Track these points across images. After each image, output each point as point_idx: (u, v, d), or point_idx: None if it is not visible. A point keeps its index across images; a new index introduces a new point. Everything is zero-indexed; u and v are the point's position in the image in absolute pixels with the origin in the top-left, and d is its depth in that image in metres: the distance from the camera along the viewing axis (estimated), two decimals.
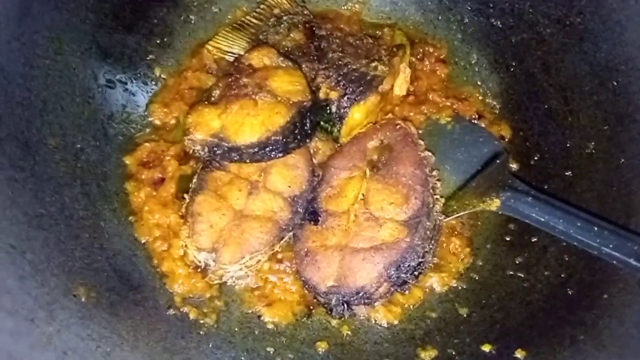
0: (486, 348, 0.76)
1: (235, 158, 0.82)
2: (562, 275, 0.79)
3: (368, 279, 0.76)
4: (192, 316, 0.78)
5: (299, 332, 0.81)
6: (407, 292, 0.80)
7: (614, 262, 0.70)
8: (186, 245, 0.80)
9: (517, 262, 0.85)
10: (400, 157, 0.84)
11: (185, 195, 0.84)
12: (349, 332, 0.82)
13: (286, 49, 0.93)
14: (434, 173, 0.86)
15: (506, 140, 0.95)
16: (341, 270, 0.77)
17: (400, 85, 0.96)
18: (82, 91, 0.89)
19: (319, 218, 0.82)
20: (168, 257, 0.82)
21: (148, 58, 0.97)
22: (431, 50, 1.03)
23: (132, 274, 0.79)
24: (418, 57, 1.02)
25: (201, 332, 0.77)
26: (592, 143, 0.85)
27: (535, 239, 0.85)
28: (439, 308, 0.84)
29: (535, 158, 0.92)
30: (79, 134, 0.86)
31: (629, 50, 0.81)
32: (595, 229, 0.73)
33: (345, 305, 0.76)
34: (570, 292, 0.77)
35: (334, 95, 0.87)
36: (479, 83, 1.01)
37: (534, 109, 0.95)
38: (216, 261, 0.78)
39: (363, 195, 0.82)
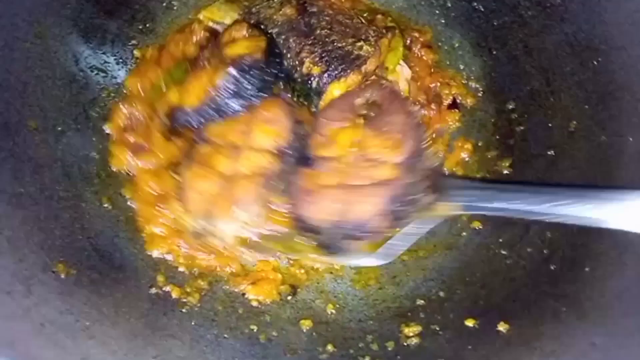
0: (470, 323, 0.76)
1: (193, 123, 0.84)
2: (545, 252, 0.79)
3: (371, 212, 0.75)
4: (174, 295, 0.77)
5: (283, 311, 0.81)
6: (400, 228, 0.80)
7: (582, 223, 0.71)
8: (184, 220, 0.79)
9: (500, 240, 0.85)
10: (389, 110, 0.84)
11: (174, 175, 0.84)
12: (334, 311, 0.82)
13: (277, 22, 0.93)
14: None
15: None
16: (342, 206, 0.76)
17: (401, 83, 0.96)
18: (63, 75, 0.88)
19: (311, 162, 0.81)
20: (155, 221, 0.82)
21: (130, 43, 0.97)
22: (417, 35, 1.03)
23: (113, 254, 0.78)
24: (407, 44, 1.02)
25: (183, 311, 0.76)
26: (574, 122, 0.85)
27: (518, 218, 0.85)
28: (423, 286, 0.84)
29: (519, 139, 0.93)
30: (60, 117, 0.85)
31: (609, 30, 0.82)
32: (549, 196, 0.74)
33: (348, 239, 0.76)
34: (552, 267, 0.77)
35: (316, 70, 0.88)
36: (461, 67, 1.02)
37: (516, 91, 0.95)
38: (211, 224, 0.77)
39: (358, 141, 0.81)
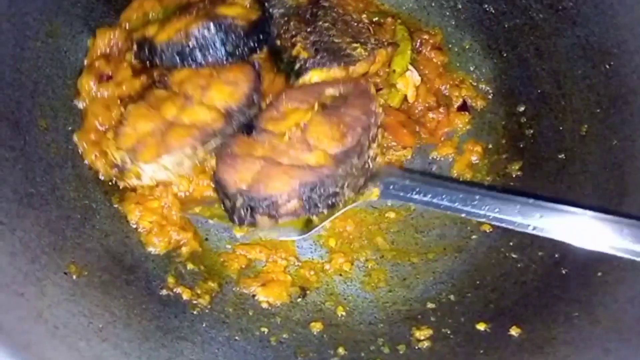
0: (481, 327, 0.75)
1: (155, 59, 0.87)
2: (556, 255, 0.79)
3: (279, 190, 0.76)
4: (185, 297, 0.77)
5: (294, 313, 0.81)
6: (315, 216, 0.82)
7: (507, 226, 0.75)
8: (109, 149, 0.81)
9: (510, 243, 0.85)
10: (351, 103, 0.85)
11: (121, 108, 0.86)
12: (344, 313, 0.82)
13: (286, 4, 0.96)
14: (378, 130, 0.87)
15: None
16: (256, 177, 0.77)
17: (410, 90, 0.96)
18: (74, 74, 0.88)
19: (253, 131, 0.83)
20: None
21: None
22: (426, 37, 1.03)
23: (124, 255, 0.78)
24: (417, 46, 1.02)
25: (194, 312, 0.76)
26: (585, 126, 0.85)
27: None
28: (433, 289, 0.84)
29: (529, 142, 0.93)
30: (71, 117, 0.85)
31: (621, 34, 0.82)
32: (477, 197, 0.76)
33: (249, 210, 0.77)
34: (564, 272, 0.77)
35: (304, 54, 0.89)
36: (472, 69, 1.02)
37: (527, 94, 0.95)
38: (133, 160, 0.79)
39: (304, 124, 0.82)
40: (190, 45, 0.86)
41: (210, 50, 0.87)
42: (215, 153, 0.83)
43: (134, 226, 0.82)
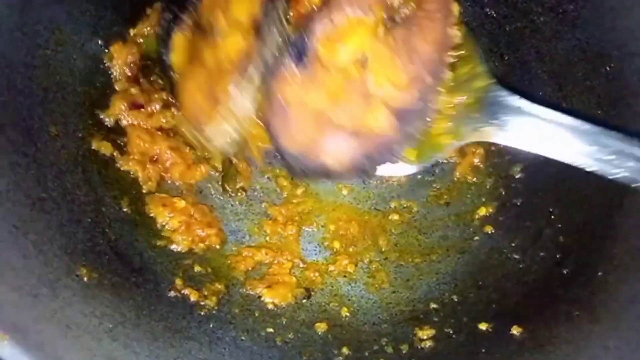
0: (483, 326, 0.76)
1: None
2: (558, 256, 0.80)
3: (336, 161, 0.68)
4: (192, 298, 0.79)
5: (299, 314, 0.82)
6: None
7: None
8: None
9: (512, 244, 0.86)
10: (423, 25, 0.69)
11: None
12: (348, 314, 0.83)
13: None
14: (449, 58, 0.73)
15: None
16: (313, 141, 0.68)
17: None
18: (83, 81, 0.90)
19: (305, 60, 0.67)
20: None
21: None
22: None
23: (133, 257, 0.80)
24: None
25: (202, 313, 0.78)
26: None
27: (531, 222, 0.86)
28: (436, 290, 0.85)
29: None
30: (81, 123, 0.87)
31: (621, 36, 0.83)
32: None
33: (303, 172, 0.71)
34: (565, 272, 0.78)
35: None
36: None
37: (528, 97, 0.96)
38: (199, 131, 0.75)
39: (366, 57, 0.67)
40: None
41: None
42: (264, 88, 0.69)
43: (161, 226, 0.85)
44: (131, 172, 0.87)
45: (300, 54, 0.68)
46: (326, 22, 0.67)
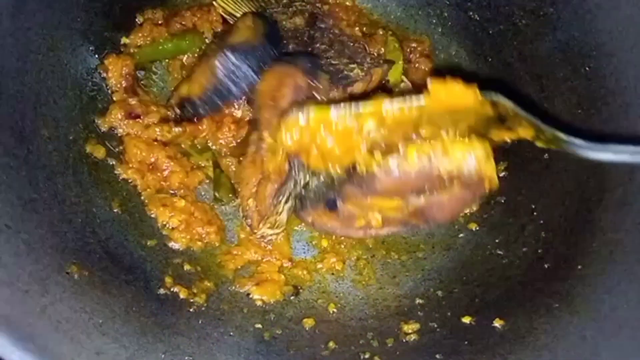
0: (466, 320, 0.78)
1: (200, 111, 0.91)
2: (539, 251, 0.82)
3: None
4: (182, 295, 0.80)
5: (287, 310, 0.84)
6: None
7: None
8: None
9: (496, 241, 0.88)
10: (443, 202, 0.74)
11: None
12: (335, 310, 0.84)
13: (284, 28, 0.98)
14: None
15: None
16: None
17: None
18: (74, 86, 0.91)
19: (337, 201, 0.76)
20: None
21: None
22: (415, 45, 1.06)
23: (123, 256, 0.81)
24: (408, 56, 1.05)
25: (191, 310, 0.79)
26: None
27: (514, 219, 0.88)
28: (421, 286, 0.87)
29: (514, 144, 0.95)
30: (72, 126, 0.88)
31: (600, 37, 0.85)
32: None
33: None
34: (546, 266, 0.79)
35: None
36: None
37: (511, 97, 0.97)
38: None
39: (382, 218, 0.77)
40: (222, 83, 0.89)
41: (241, 78, 0.89)
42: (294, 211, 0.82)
43: (161, 225, 0.87)
44: (130, 181, 0.89)
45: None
46: (356, 186, 0.72)
